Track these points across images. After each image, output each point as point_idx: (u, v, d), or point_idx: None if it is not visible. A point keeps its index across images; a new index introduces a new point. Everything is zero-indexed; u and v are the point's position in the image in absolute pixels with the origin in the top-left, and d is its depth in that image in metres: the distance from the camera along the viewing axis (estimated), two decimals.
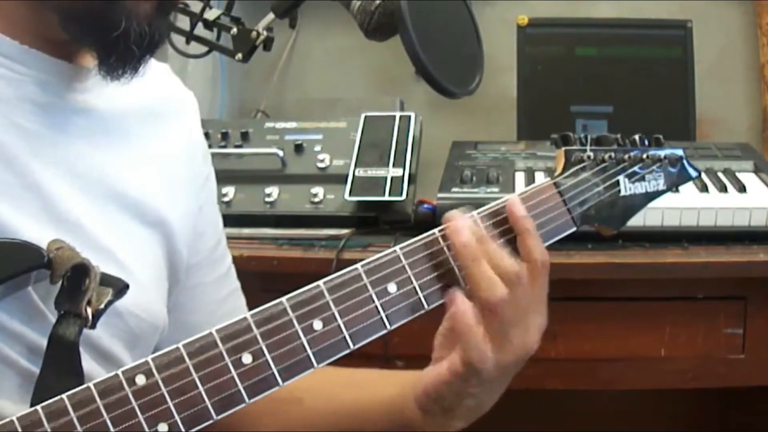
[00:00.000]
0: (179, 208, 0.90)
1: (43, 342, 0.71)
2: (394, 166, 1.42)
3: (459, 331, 0.76)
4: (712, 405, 1.87)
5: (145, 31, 0.74)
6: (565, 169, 0.85)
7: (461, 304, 0.75)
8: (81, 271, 0.71)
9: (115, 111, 0.84)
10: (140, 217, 0.85)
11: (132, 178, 0.84)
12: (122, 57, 0.75)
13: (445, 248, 0.77)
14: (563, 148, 0.86)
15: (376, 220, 1.40)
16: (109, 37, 0.73)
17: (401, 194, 1.38)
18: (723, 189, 1.34)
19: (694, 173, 0.90)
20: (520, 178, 1.42)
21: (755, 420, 1.72)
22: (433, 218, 1.33)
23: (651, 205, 0.90)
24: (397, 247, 0.75)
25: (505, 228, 0.80)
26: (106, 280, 0.73)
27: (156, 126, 0.90)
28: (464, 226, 0.77)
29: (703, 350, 1.29)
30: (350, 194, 1.39)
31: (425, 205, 1.40)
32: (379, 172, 1.41)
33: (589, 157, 0.85)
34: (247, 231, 1.36)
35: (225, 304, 0.98)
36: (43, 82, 0.77)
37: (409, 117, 1.50)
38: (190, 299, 0.95)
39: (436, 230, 0.77)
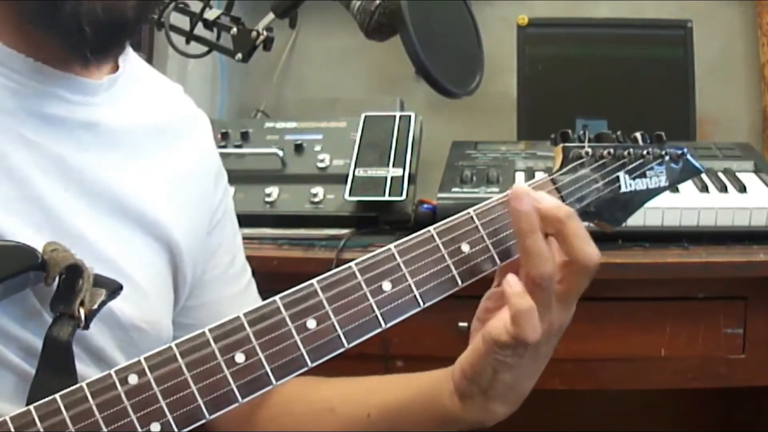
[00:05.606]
0: (185, 225, 0.90)
1: (40, 343, 0.71)
2: (394, 166, 1.42)
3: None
4: (713, 405, 1.87)
5: (96, 11, 0.73)
6: (562, 166, 0.83)
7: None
8: (74, 272, 0.72)
9: (124, 126, 0.84)
10: (145, 230, 0.85)
11: (138, 191, 0.84)
12: (78, 40, 0.74)
13: (440, 245, 0.76)
14: (561, 145, 0.84)
15: (376, 220, 1.40)
16: (61, 21, 0.72)
17: (401, 194, 1.37)
18: (723, 189, 1.33)
19: (699, 168, 0.89)
20: (520, 178, 1.42)
21: (755, 420, 1.72)
22: (433, 218, 1.33)
23: (651, 204, 0.89)
24: (391, 245, 0.74)
25: None
26: (100, 281, 0.73)
27: (166, 144, 0.90)
28: (525, 194, 0.75)
29: (703, 350, 1.29)
30: (350, 194, 1.38)
31: (425, 205, 1.40)
32: (379, 172, 1.41)
33: (587, 153, 0.83)
34: (246, 231, 1.33)
35: None
36: (49, 96, 0.77)
37: (409, 117, 1.50)
38: (210, 315, 0.95)
39: (431, 228, 0.76)
